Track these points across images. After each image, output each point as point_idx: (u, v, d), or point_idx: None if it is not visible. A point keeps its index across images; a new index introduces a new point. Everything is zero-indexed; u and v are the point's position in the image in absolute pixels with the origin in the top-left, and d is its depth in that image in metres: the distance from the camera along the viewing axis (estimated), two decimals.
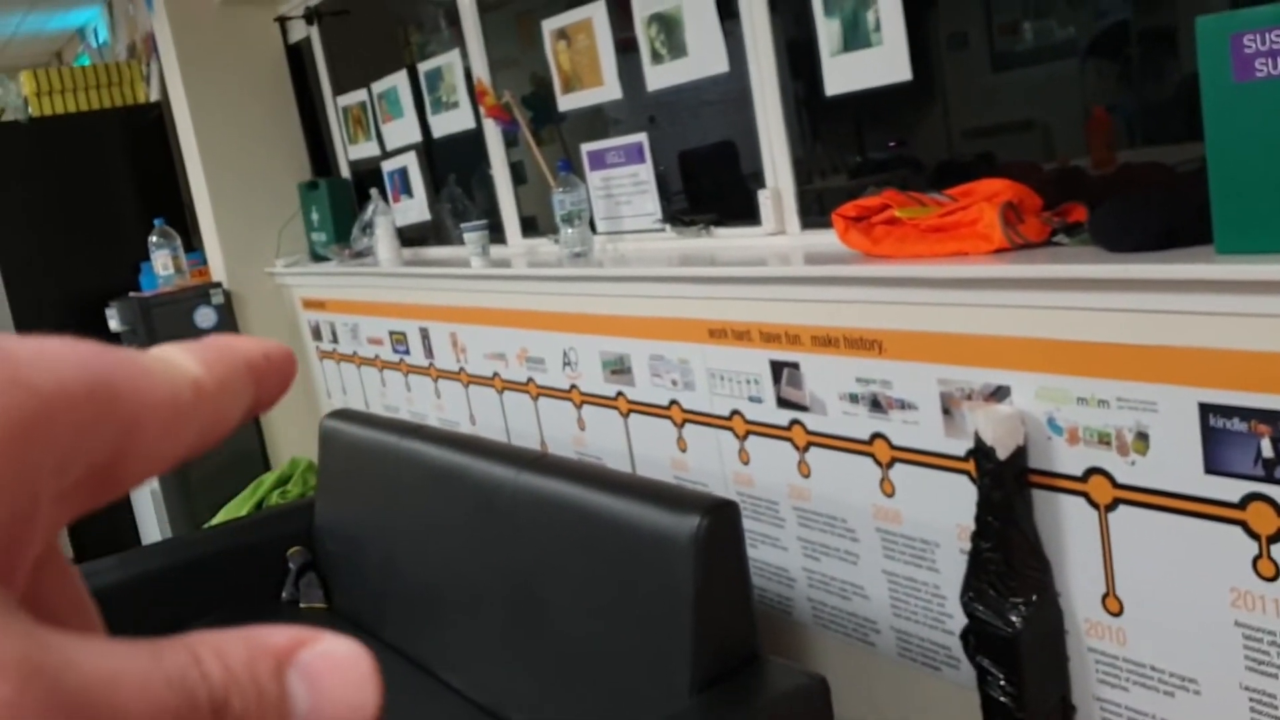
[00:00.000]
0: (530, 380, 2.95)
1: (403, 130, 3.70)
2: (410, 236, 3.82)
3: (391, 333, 3.65)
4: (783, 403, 2.17)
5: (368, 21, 4.01)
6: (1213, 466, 1.48)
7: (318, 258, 4.22)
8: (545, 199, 2.86)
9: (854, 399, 2.01)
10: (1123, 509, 1.62)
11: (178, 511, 4.18)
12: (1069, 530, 1.70)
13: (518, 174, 3.32)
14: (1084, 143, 1.93)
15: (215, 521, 3.84)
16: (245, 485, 4.07)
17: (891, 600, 2.07)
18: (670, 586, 1.89)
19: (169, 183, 4.70)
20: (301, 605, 3.06)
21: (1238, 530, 1.48)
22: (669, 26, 2.48)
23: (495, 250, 3.19)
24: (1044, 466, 1.71)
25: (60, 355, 0.19)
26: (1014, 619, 1.73)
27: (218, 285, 4.27)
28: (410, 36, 3.76)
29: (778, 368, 2.16)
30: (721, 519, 1.87)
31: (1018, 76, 2.04)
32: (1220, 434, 1.46)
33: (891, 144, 2.34)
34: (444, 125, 3.48)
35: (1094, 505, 1.66)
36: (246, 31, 4.23)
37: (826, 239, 2.13)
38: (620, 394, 2.62)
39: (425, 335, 3.44)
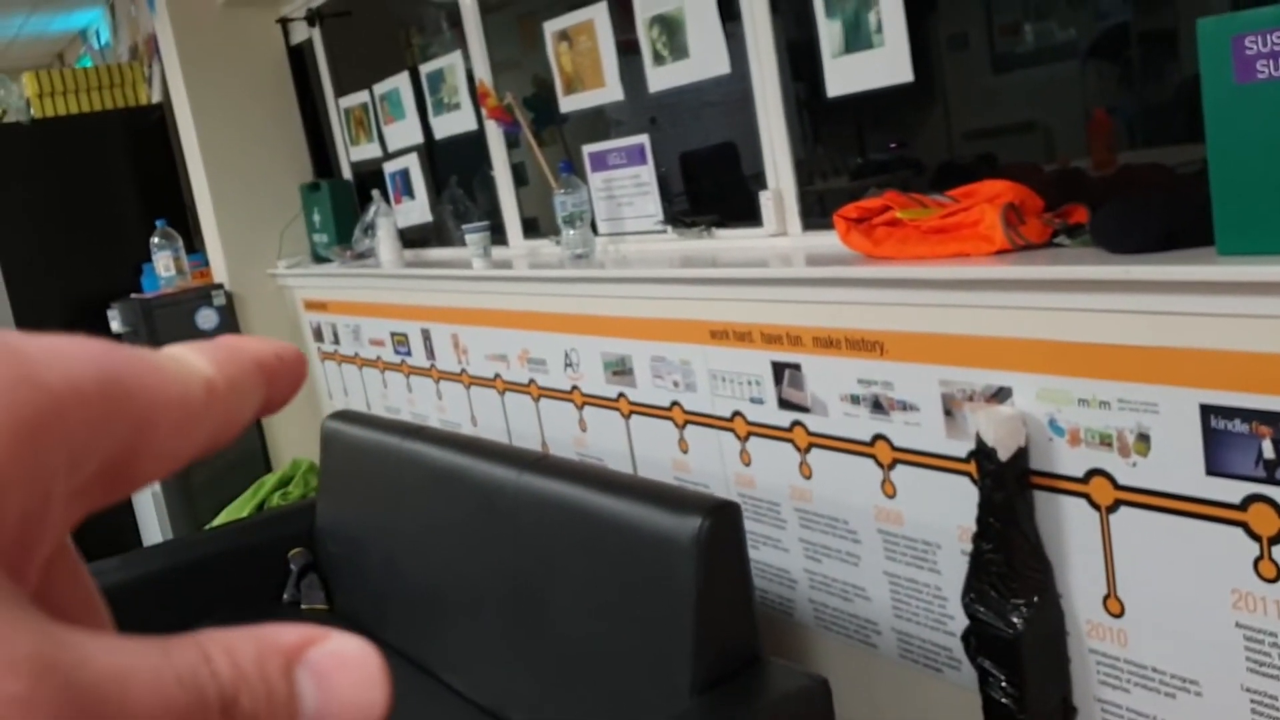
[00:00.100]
0: (532, 381, 2.95)
1: (404, 131, 3.71)
2: (412, 238, 3.82)
3: (393, 334, 3.65)
4: (784, 404, 2.17)
5: (369, 23, 4.01)
6: (1214, 468, 1.48)
7: (319, 259, 4.22)
8: (547, 200, 2.86)
9: (855, 400, 2.01)
10: (1124, 510, 1.62)
11: (179, 512, 4.18)
12: (1070, 531, 1.70)
13: (519, 175, 3.32)
14: (1085, 144, 1.93)
15: (217, 523, 3.84)
16: (247, 486, 4.07)
17: (893, 601, 2.07)
18: (671, 588, 1.89)
19: (171, 184, 4.70)
20: (303, 606, 3.06)
21: (1239, 531, 1.48)
22: (670, 28, 2.49)
23: (497, 251, 3.19)
24: (1045, 468, 1.71)
25: (72, 353, 0.19)
26: (1015, 620, 1.73)
27: (219, 287, 4.27)
28: (412, 38, 3.77)
29: (779, 369, 2.16)
30: (723, 520, 1.87)
31: (1019, 78, 2.04)
32: (1221, 435, 1.46)
33: (893, 145, 2.34)
34: (446, 126, 3.49)
35: (1095, 506, 1.66)
36: (248, 33, 4.23)
37: (828, 240, 2.13)
38: (622, 395, 2.62)
39: (427, 336, 3.44)
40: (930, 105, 2.17)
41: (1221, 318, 1.43)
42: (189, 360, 0.22)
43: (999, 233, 1.73)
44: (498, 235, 3.29)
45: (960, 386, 1.81)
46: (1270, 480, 1.42)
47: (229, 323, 4.25)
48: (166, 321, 4.14)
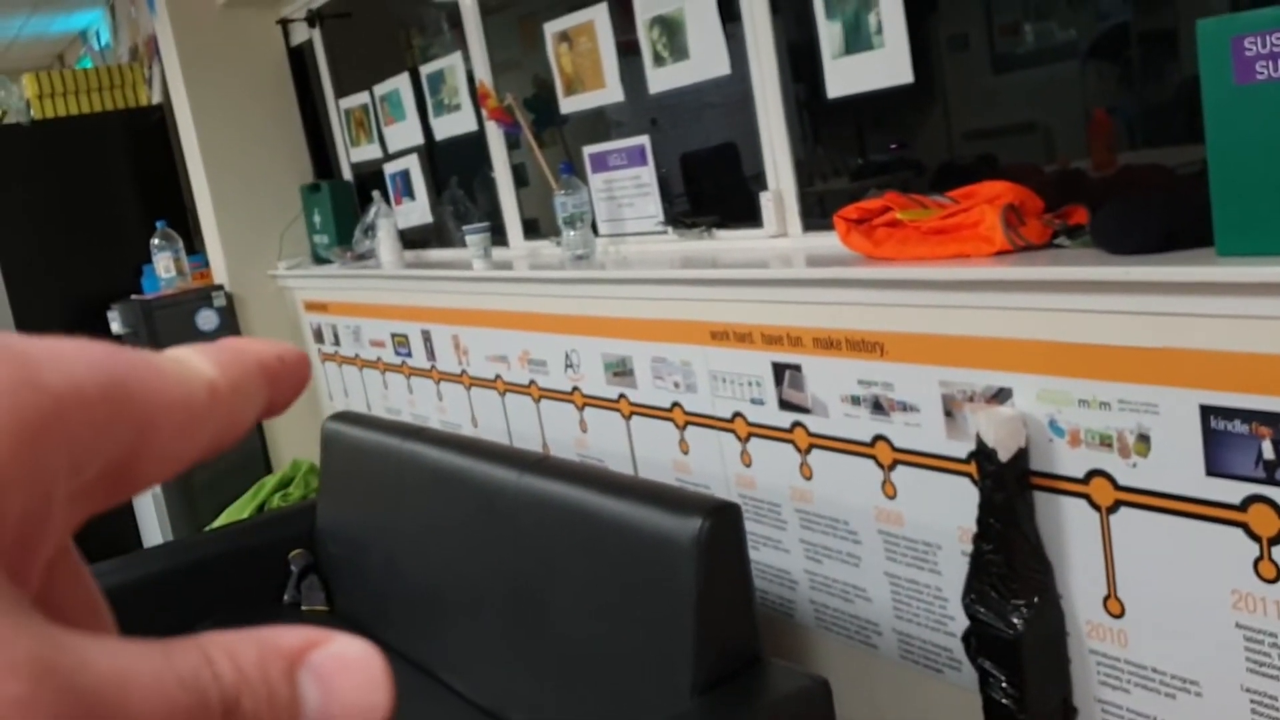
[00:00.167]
0: (532, 382, 2.95)
1: (405, 132, 3.71)
2: (412, 239, 3.82)
3: (393, 335, 3.65)
4: (785, 405, 2.17)
5: (370, 24, 4.01)
6: (1214, 468, 1.49)
7: (320, 260, 4.22)
8: (547, 201, 2.87)
9: (856, 401, 2.01)
10: (1124, 511, 1.62)
11: (179, 514, 4.18)
12: (1070, 532, 1.70)
13: (519, 176, 3.33)
14: (1085, 145, 1.93)
15: (217, 524, 3.84)
16: (247, 488, 4.07)
17: (893, 602, 2.07)
18: (672, 588, 1.89)
19: (171, 185, 4.70)
20: (303, 608, 3.06)
21: (1239, 532, 1.48)
22: (671, 29, 2.49)
23: (497, 252, 3.19)
24: (1045, 468, 1.71)
25: (74, 355, 0.19)
26: (1015, 621, 1.73)
27: (219, 288, 4.27)
28: (412, 39, 3.77)
29: (779, 370, 2.16)
30: (723, 521, 1.87)
31: (1019, 78, 2.04)
32: (1221, 436, 1.46)
33: (893, 146, 2.34)
34: (446, 127, 3.49)
35: (1095, 507, 1.66)
36: (248, 34, 4.23)
37: (828, 241, 2.13)
38: (622, 396, 2.63)
39: (427, 337, 3.44)
40: (930, 106, 2.17)
41: (1221, 318, 1.43)
42: (192, 362, 0.22)
43: (999, 234, 1.73)
44: (498, 236, 3.29)
45: (960, 387, 1.81)
46: (1270, 481, 1.42)
47: (229, 324, 4.25)
48: (167, 323, 4.14)
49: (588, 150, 2.85)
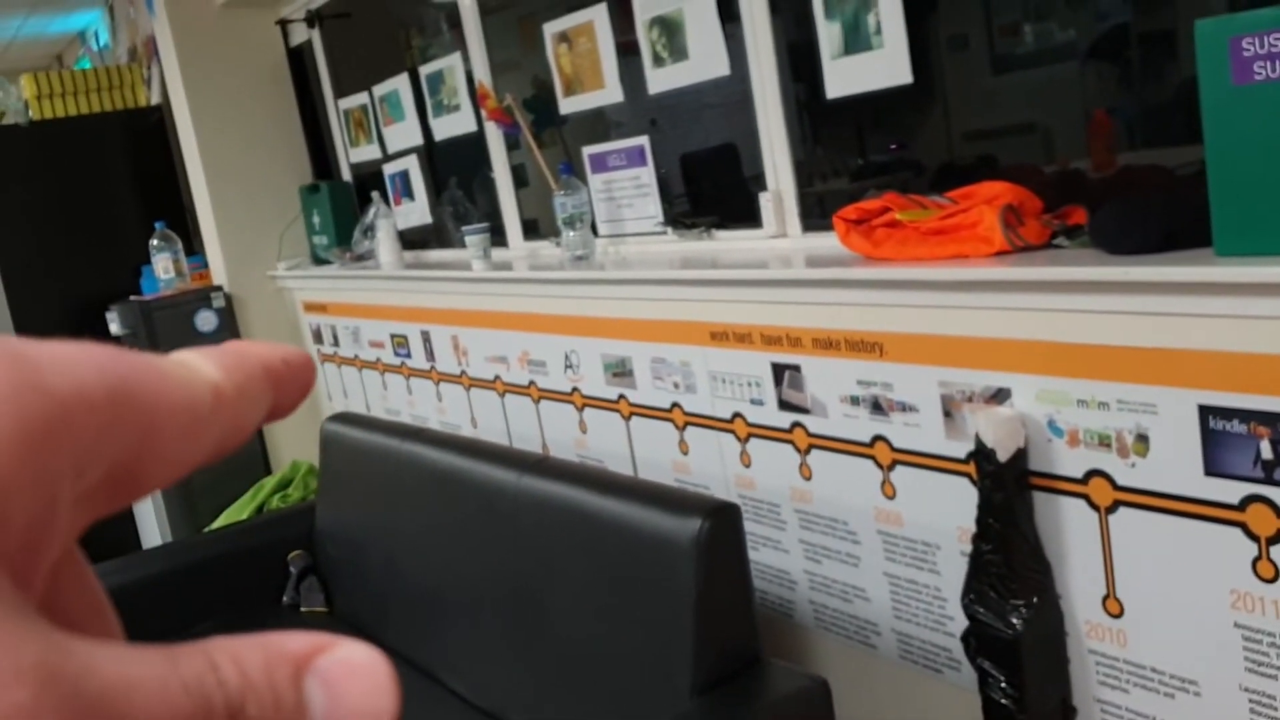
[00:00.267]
0: (532, 383, 2.95)
1: (404, 133, 3.71)
2: (412, 239, 3.82)
3: (393, 336, 3.65)
4: (784, 405, 2.17)
5: (369, 24, 4.01)
6: (1212, 468, 1.49)
7: (319, 261, 4.22)
8: (547, 202, 2.87)
9: (855, 401, 2.01)
10: (1123, 511, 1.62)
11: (178, 515, 4.18)
12: (1069, 532, 1.70)
13: (519, 177, 3.33)
14: (1084, 145, 1.93)
15: (216, 525, 3.84)
16: (246, 489, 4.07)
17: (893, 602, 2.07)
18: (672, 589, 1.89)
19: (170, 186, 4.70)
20: (302, 609, 3.06)
21: (1237, 532, 1.48)
22: (670, 29, 2.49)
23: (497, 253, 3.19)
24: (1044, 469, 1.71)
25: (78, 359, 0.19)
26: (1015, 621, 1.73)
27: (219, 289, 4.27)
28: (411, 39, 3.77)
29: (779, 370, 2.16)
30: (723, 521, 1.87)
31: (1018, 79, 2.04)
32: (1220, 436, 1.47)
33: (892, 147, 2.34)
34: (445, 128, 3.49)
35: (1094, 507, 1.66)
36: (247, 34, 4.23)
37: (827, 242, 2.13)
38: (622, 397, 2.63)
39: (427, 338, 3.44)
40: (930, 106, 2.17)
41: (1220, 319, 1.43)
42: (196, 366, 0.22)
43: (998, 234, 1.74)
44: (498, 237, 3.29)
45: (959, 387, 1.81)
46: (1268, 481, 1.42)
47: (228, 325, 4.25)
48: (166, 324, 4.14)
49: (587, 151, 2.85)
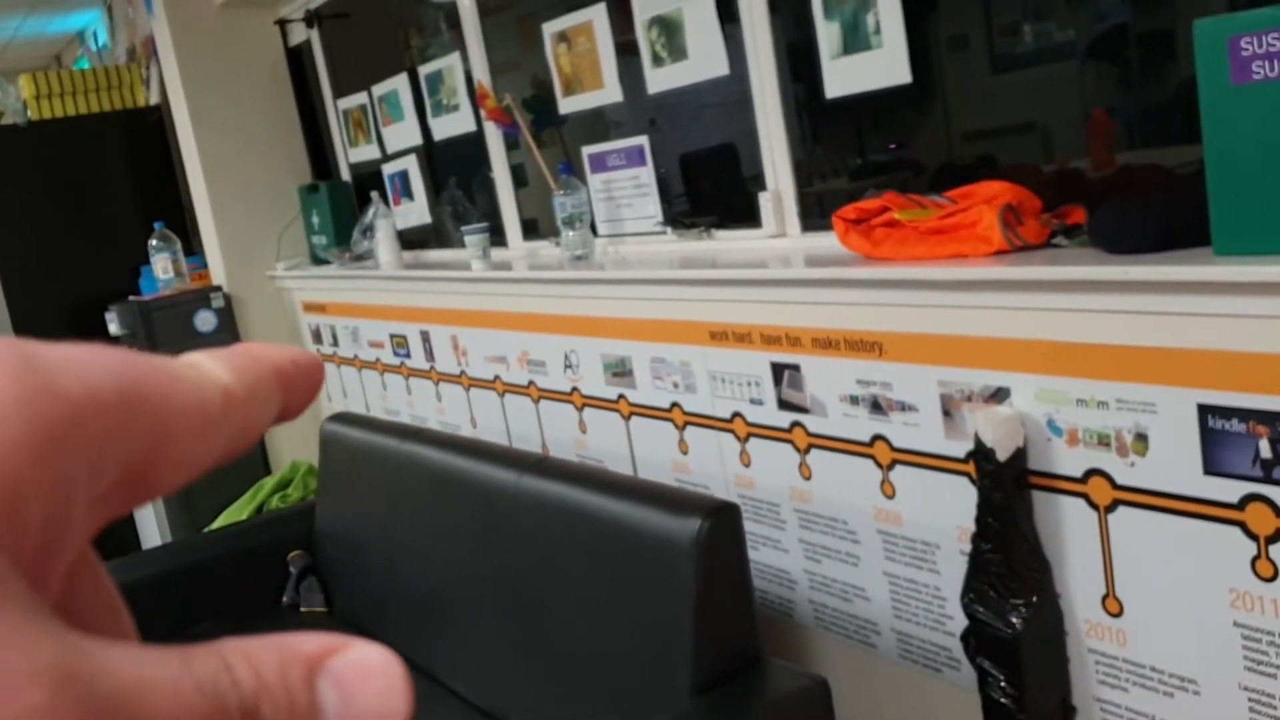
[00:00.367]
0: (531, 383, 2.95)
1: (403, 133, 3.71)
2: (411, 239, 3.82)
3: (392, 336, 3.65)
4: (784, 405, 2.17)
5: (368, 24, 4.01)
6: (1211, 467, 1.49)
7: (318, 261, 4.22)
8: (546, 202, 2.87)
9: (854, 401, 2.01)
10: (1122, 510, 1.62)
11: (178, 515, 4.18)
12: (1069, 531, 1.70)
13: (518, 177, 3.33)
14: (1083, 145, 1.94)
15: (216, 525, 3.84)
16: (246, 489, 4.07)
17: (892, 602, 2.07)
18: (671, 589, 1.89)
19: (169, 186, 4.70)
20: (302, 609, 3.06)
21: (1236, 531, 1.48)
22: (669, 29, 2.49)
23: (496, 253, 3.19)
24: (1044, 468, 1.71)
25: (90, 362, 0.19)
26: (1014, 620, 1.73)
27: (218, 289, 4.27)
28: (411, 39, 3.77)
29: (778, 370, 2.16)
30: (723, 521, 1.87)
31: (1017, 79, 2.04)
32: (1219, 435, 1.47)
33: (891, 146, 2.34)
34: (445, 128, 3.49)
35: (1094, 506, 1.66)
36: (246, 34, 4.23)
37: (827, 241, 2.13)
38: (621, 396, 2.63)
39: (426, 338, 3.44)
40: (929, 106, 2.18)
41: (1219, 318, 1.44)
42: (207, 368, 0.22)
43: (997, 233, 1.74)
44: (497, 237, 3.29)
45: (959, 387, 1.81)
46: (1268, 480, 1.43)
47: (227, 325, 4.25)
48: (165, 324, 4.14)
49: (586, 150, 2.85)
